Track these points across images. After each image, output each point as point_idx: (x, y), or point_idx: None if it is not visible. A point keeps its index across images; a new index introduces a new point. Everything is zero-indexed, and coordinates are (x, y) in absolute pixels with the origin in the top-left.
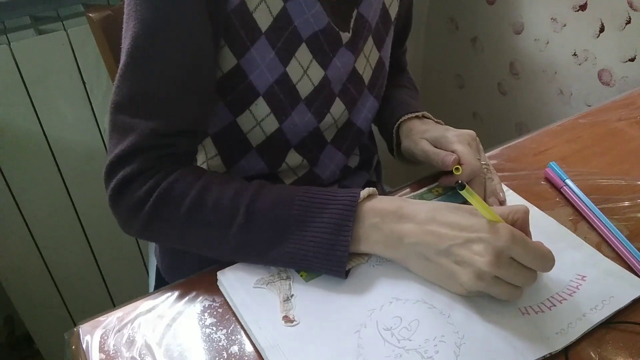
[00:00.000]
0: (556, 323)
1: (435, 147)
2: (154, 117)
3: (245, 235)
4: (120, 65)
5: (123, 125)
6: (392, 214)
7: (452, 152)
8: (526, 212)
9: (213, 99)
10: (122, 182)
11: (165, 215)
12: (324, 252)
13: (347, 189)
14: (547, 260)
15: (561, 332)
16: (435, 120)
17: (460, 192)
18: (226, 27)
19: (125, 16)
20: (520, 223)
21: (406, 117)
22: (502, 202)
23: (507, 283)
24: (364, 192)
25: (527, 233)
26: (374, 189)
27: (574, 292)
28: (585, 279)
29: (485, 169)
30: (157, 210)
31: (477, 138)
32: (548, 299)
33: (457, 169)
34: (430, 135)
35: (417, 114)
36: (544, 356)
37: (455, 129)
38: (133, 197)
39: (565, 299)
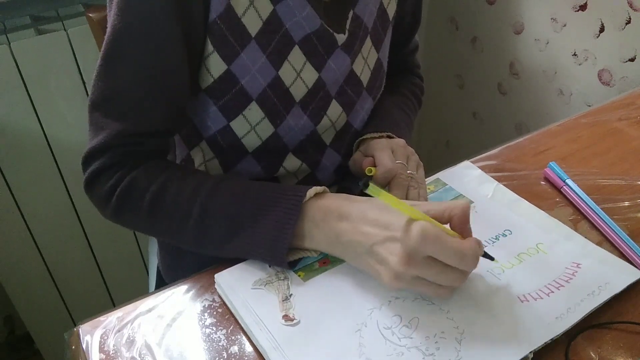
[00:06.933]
0: (555, 308)
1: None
2: (123, 118)
3: (201, 230)
4: (97, 65)
5: (97, 123)
6: (333, 212)
7: (372, 156)
8: (464, 208)
9: (184, 102)
10: (93, 175)
11: (130, 208)
12: (267, 247)
13: (297, 186)
14: (466, 258)
15: (561, 317)
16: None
17: (365, 190)
18: (212, 33)
19: (108, 17)
20: (458, 219)
21: (368, 136)
22: None
23: (431, 282)
24: (311, 191)
25: (466, 230)
26: (324, 187)
27: (571, 278)
28: (580, 267)
29: (409, 177)
30: (122, 203)
31: (410, 148)
32: (546, 286)
33: (369, 170)
34: (363, 147)
35: (381, 134)
36: (545, 343)
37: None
38: (102, 190)
39: (563, 286)
